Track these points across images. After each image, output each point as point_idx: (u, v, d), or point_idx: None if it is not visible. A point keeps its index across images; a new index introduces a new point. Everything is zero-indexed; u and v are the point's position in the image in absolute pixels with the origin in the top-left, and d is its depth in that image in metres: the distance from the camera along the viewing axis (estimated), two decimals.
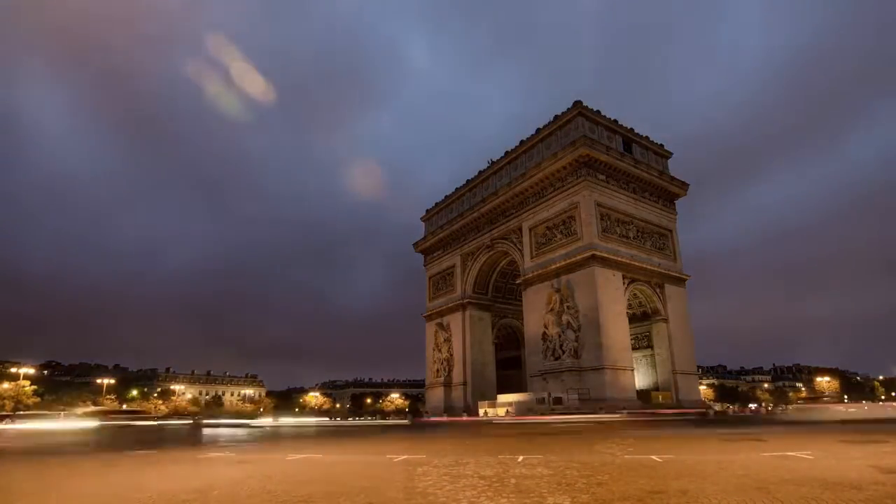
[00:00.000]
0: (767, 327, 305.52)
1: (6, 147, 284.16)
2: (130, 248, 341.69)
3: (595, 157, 60.53)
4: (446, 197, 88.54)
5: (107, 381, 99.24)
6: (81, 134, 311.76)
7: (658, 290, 63.08)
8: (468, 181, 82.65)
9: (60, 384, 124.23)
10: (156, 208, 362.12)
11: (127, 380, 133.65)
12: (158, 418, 72.70)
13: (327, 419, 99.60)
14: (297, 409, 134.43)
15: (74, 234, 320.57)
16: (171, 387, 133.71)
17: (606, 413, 45.59)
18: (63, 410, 58.84)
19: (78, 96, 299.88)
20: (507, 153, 74.12)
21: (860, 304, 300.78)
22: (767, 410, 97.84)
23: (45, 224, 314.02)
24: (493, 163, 77.13)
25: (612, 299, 57.09)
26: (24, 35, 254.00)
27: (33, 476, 12.61)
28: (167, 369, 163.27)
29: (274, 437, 31.09)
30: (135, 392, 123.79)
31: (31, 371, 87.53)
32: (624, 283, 59.25)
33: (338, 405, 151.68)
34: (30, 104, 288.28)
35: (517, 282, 68.80)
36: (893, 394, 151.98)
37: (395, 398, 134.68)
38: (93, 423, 42.92)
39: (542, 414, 52.50)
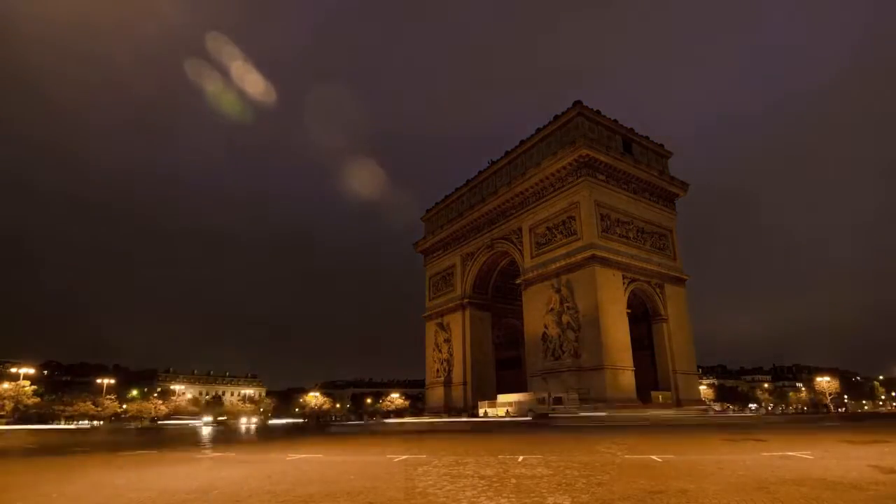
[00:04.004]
0: (767, 327, 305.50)
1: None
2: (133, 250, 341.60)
3: (595, 157, 60.48)
4: (446, 197, 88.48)
5: (107, 381, 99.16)
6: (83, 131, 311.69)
7: (658, 290, 63.04)
8: (468, 181, 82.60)
9: (60, 384, 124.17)
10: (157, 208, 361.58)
11: (127, 380, 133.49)
12: None
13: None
14: (296, 410, 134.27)
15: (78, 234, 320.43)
16: (171, 387, 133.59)
17: None
18: None
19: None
20: (507, 153, 74.06)
21: (860, 304, 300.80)
22: (767, 411, 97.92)
23: (54, 224, 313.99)
24: (492, 163, 77.07)
25: (612, 299, 57.05)
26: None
27: (32, 475, 12.61)
28: (167, 369, 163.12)
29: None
30: (135, 392, 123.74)
31: (31, 371, 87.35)
32: (624, 283, 59.20)
33: (338, 405, 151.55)
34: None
35: (517, 282, 68.76)
36: (893, 393, 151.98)
37: (396, 398, 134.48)
38: None
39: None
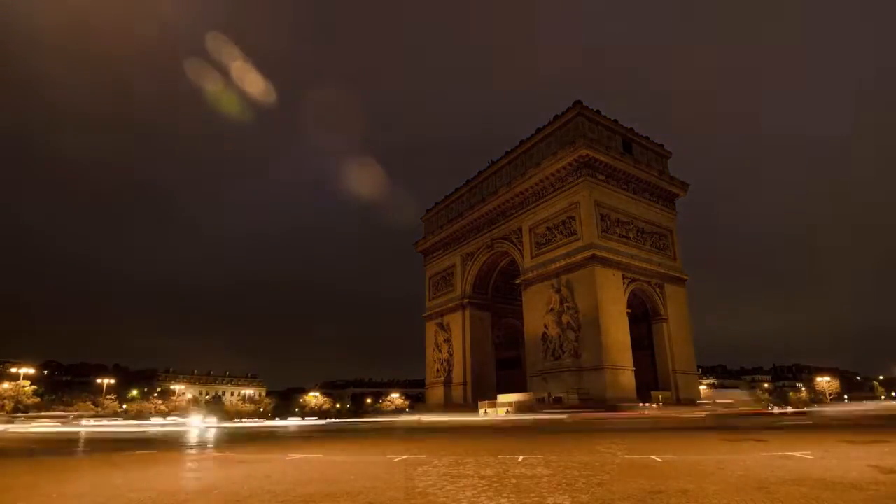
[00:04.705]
0: (767, 327, 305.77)
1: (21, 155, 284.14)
2: (131, 247, 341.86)
3: (595, 157, 60.47)
4: (446, 197, 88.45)
5: (107, 381, 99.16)
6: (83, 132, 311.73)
7: (658, 290, 63.04)
8: (468, 181, 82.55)
9: (60, 384, 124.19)
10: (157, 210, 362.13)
11: (127, 380, 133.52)
12: None
13: None
14: (297, 410, 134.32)
15: (79, 236, 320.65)
16: (171, 387, 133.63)
17: None
18: None
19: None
20: (507, 153, 74.03)
21: (860, 304, 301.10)
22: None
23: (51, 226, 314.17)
24: (493, 163, 77.04)
25: (612, 299, 57.04)
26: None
27: (33, 475, 12.62)
28: (167, 369, 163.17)
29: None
30: (135, 392, 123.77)
31: (31, 371, 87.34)
32: (624, 283, 59.20)
33: (338, 405, 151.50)
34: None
35: (517, 282, 68.77)
36: (893, 393, 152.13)
37: (396, 398, 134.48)
38: None
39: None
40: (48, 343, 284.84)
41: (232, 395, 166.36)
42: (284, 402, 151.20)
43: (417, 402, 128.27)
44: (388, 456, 14.88)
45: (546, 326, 60.40)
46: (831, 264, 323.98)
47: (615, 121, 65.89)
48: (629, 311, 59.73)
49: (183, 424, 64.82)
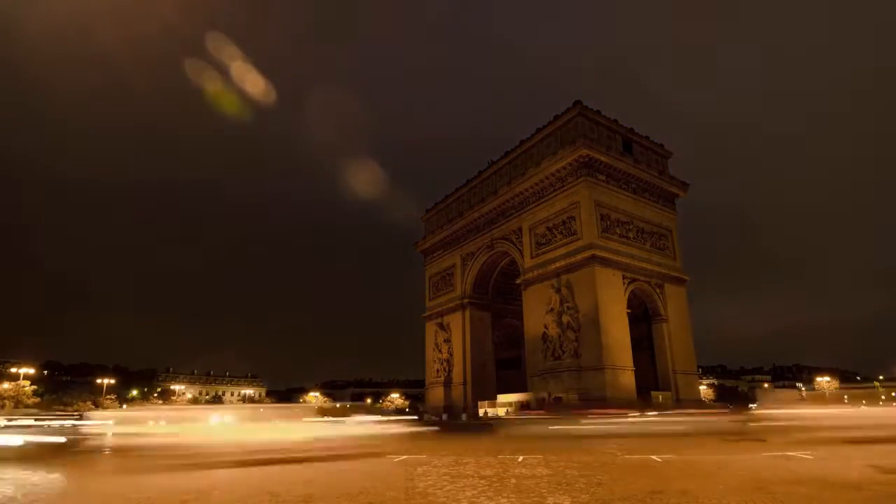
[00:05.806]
0: (767, 327, 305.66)
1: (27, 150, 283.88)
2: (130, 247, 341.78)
3: (595, 157, 60.43)
4: (446, 197, 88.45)
5: (107, 381, 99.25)
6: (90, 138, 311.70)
7: (658, 290, 63.01)
8: (468, 181, 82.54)
9: (60, 384, 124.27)
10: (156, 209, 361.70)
11: (127, 380, 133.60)
12: None
13: None
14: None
15: (77, 234, 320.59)
16: (171, 387, 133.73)
17: None
18: None
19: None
20: (506, 153, 74.01)
21: (861, 304, 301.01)
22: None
23: (52, 225, 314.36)
24: (492, 163, 77.01)
25: (612, 299, 57.04)
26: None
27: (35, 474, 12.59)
28: (167, 369, 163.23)
29: None
30: (135, 392, 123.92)
31: (31, 371, 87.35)
32: (624, 283, 59.18)
33: (337, 405, 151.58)
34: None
35: (517, 282, 68.71)
36: (893, 394, 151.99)
37: (396, 398, 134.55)
38: None
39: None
40: (48, 343, 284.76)
41: (232, 395, 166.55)
42: (284, 402, 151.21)
43: (417, 401, 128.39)
44: (389, 456, 14.88)
45: (546, 326, 60.38)
46: (831, 264, 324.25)
47: (615, 120, 65.83)
48: (629, 311, 59.66)
49: None
